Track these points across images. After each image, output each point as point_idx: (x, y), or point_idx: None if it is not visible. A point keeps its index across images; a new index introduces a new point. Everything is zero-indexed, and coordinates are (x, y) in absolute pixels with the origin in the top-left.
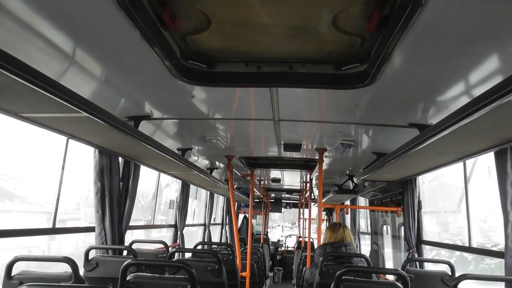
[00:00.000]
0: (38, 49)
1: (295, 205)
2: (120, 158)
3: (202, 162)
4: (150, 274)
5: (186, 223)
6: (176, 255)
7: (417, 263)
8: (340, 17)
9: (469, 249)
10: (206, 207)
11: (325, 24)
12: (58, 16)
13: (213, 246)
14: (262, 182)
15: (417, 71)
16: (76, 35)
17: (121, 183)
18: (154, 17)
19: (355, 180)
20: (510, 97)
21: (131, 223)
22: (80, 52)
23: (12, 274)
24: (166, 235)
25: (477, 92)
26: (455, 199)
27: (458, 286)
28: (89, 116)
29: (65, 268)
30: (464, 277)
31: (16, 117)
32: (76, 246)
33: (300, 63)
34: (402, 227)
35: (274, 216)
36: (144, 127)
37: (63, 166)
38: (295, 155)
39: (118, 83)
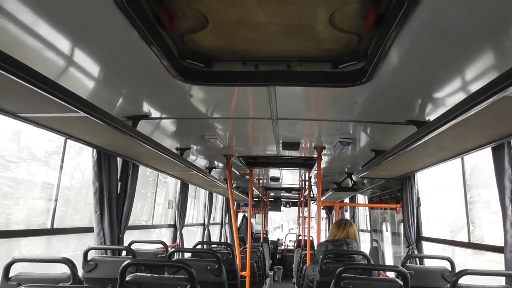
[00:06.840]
0: (36, 49)
1: (294, 204)
2: (118, 158)
3: (201, 161)
4: (149, 275)
5: (185, 223)
6: (176, 255)
7: (417, 259)
8: (337, 15)
9: (469, 245)
10: (205, 207)
11: (322, 22)
12: (56, 16)
13: (213, 245)
14: (261, 181)
15: (414, 68)
16: (74, 35)
17: (119, 183)
18: (152, 17)
19: (354, 177)
20: (506, 93)
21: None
22: (78, 52)
23: (10, 276)
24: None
25: (474, 88)
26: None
27: (459, 282)
28: (87, 116)
29: (63, 269)
30: (464, 272)
31: (13, 117)
32: None
33: (297, 62)
34: (402, 224)
35: (274, 214)
36: (143, 127)
37: (61, 166)
38: (293, 153)
39: (116, 83)
